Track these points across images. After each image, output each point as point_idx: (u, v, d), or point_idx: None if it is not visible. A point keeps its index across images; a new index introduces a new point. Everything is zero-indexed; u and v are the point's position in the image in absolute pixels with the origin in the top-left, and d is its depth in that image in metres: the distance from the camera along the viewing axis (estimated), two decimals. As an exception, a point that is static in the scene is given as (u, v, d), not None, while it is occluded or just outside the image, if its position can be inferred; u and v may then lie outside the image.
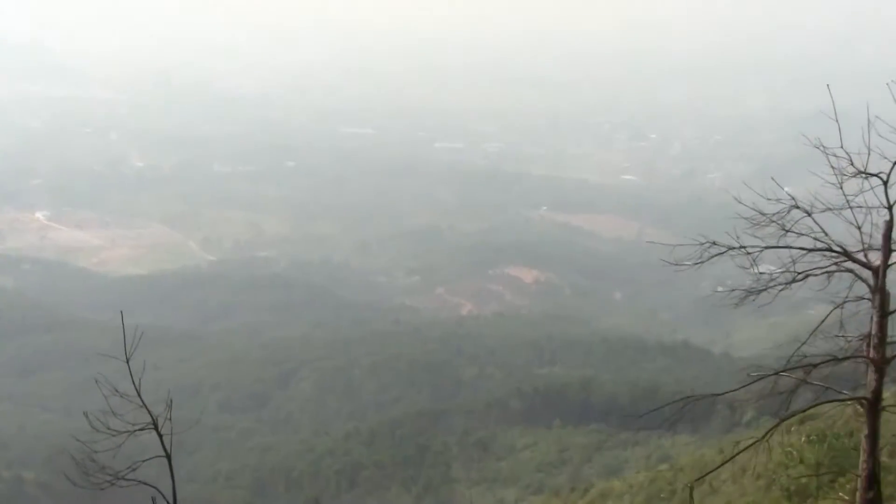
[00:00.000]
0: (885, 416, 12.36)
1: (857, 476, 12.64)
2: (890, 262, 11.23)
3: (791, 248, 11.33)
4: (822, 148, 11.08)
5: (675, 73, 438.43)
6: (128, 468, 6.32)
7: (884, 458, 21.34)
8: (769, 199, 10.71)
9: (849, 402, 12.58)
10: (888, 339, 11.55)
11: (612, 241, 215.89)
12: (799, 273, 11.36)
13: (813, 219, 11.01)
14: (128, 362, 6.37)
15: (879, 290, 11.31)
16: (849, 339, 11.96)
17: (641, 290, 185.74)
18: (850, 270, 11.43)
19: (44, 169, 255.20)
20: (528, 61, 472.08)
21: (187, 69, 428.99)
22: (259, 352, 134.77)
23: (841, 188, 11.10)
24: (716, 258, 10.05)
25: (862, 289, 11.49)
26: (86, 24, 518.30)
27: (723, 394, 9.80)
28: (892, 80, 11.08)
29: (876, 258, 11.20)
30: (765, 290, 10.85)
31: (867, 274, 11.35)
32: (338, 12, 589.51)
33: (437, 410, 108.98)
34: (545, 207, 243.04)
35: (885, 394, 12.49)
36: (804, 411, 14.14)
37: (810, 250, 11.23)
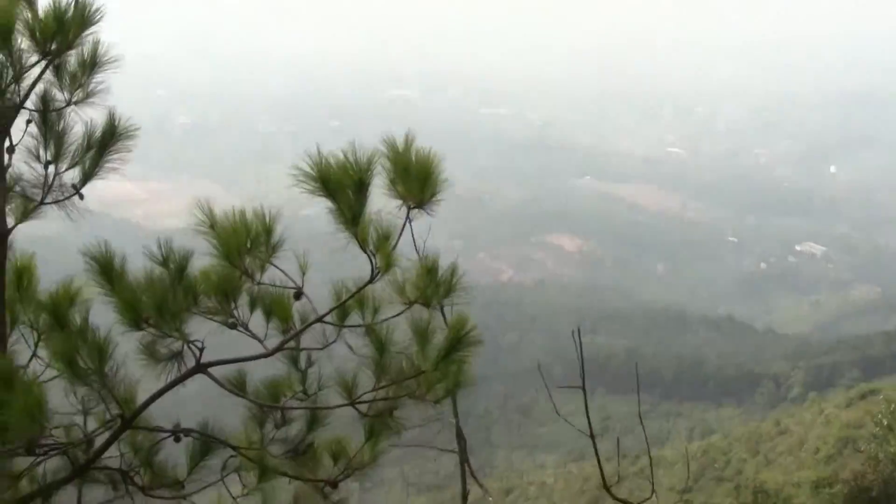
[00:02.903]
0: None
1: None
2: None
3: None
4: None
5: (723, 48, 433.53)
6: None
7: None
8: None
9: None
10: None
11: (656, 214, 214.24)
12: None
13: None
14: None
15: None
16: None
17: (683, 263, 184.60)
18: None
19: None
20: (573, 30, 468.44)
21: (230, 23, 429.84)
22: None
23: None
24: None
25: None
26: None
27: None
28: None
29: None
30: None
31: None
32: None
33: (477, 375, 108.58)
34: (588, 177, 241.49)
35: None
36: None
37: None
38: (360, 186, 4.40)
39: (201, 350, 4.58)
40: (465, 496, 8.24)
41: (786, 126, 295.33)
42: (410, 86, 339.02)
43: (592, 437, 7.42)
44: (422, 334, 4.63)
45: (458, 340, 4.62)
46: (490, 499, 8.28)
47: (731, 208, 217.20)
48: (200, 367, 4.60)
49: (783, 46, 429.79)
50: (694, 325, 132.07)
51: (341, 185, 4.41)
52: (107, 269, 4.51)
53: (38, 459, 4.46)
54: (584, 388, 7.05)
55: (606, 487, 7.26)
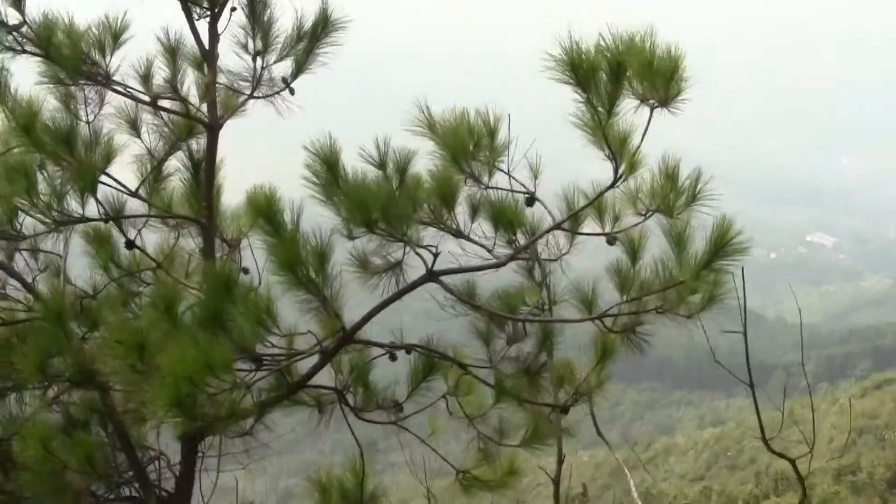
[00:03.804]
0: None
1: None
2: None
3: None
4: None
5: (740, 36, 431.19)
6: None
7: None
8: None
9: None
10: None
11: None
12: None
13: None
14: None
15: None
16: None
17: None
18: None
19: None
20: (585, 14, 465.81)
21: None
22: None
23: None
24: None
25: None
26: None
27: None
28: None
29: None
30: None
31: None
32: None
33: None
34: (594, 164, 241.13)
35: None
36: None
37: None
38: (617, 72, 3.82)
39: (436, 256, 4.17)
40: (559, 461, 7.93)
41: (799, 115, 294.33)
42: (414, 69, 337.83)
43: (752, 386, 7.12)
44: (678, 240, 4.16)
45: (722, 247, 4.11)
46: (616, 457, 7.92)
47: (742, 197, 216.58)
48: (432, 276, 4.19)
49: (798, 32, 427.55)
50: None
51: (594, 70, 3.84)
52: (332, 166, 4.09)
53: (262, 374, 4.06)
54: (745, 334, 6.79)
55: (765, 441, 7.03)
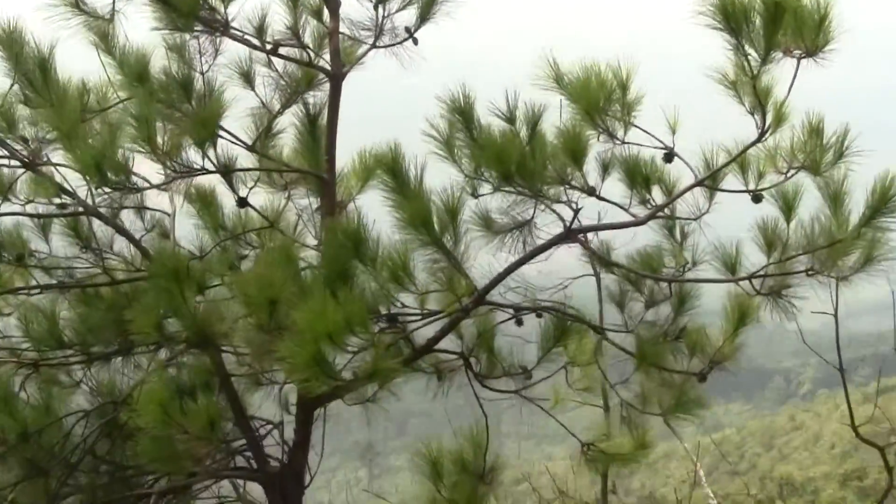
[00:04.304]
0: None
1: None
2: None
3: None
4: None
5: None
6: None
7: None
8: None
9: None
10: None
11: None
12: None
13: None
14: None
15: None
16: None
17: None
18: None
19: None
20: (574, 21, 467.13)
21: None
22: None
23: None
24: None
25: None
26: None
27: None
28: None
29: None
30: None
31: None
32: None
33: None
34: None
35: None
36: None
37: None
38: (774, 14, 3.50)
39: (576, 212, 3.94)
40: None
41: (798, 118, 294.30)
42: (414, 72, 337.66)
43: (842, 371, 6.94)
44: (835, 197, 3.90)
45: (885, 203, 3.85)
46: (683, 446, 7.75)
47: (741, 202, 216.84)
48: (571, 233, 3.98)
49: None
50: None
51: (746, 13, 3.54)
52: (467, 117, 3.88)
53: (397, 335, 3.84)
54: (836, 316, 6.60)
55: (855, 429, 6.85)
